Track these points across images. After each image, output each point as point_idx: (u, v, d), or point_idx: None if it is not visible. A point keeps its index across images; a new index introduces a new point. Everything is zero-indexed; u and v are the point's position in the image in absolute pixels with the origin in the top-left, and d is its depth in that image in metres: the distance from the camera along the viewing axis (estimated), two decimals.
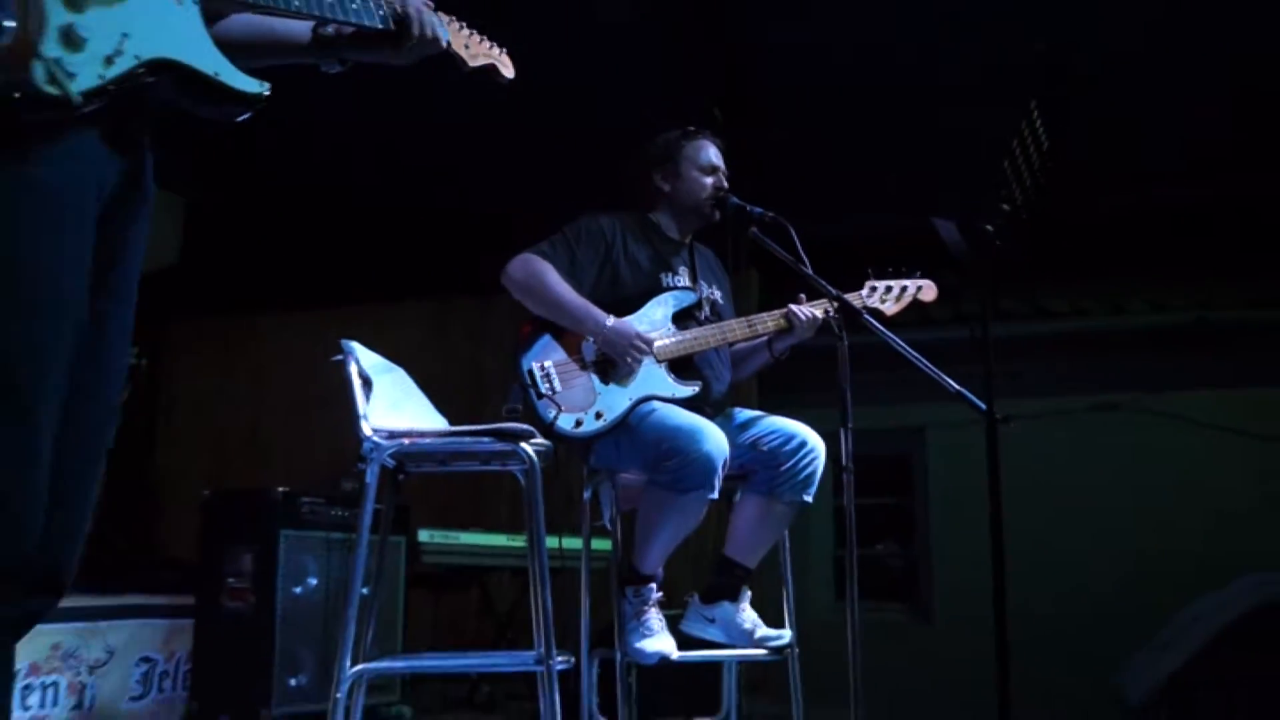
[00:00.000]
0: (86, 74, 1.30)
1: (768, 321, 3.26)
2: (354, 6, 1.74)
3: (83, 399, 1.48)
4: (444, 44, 1.89)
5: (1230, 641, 2.77)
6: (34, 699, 3.79)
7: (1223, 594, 2.98)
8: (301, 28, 1.80)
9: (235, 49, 1.67)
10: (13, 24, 1.21)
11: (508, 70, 2.07)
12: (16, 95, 1.22)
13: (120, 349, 1.55)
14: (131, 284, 1.56)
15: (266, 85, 1.57)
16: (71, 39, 1.27)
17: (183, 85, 1.47)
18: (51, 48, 1.26)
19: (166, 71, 1.42)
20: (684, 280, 3.32)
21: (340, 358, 2.89)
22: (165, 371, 7.40)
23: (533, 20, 5.41)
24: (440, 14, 1.90)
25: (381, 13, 1.79)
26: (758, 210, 3.18)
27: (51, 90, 1.25)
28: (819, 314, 3.20)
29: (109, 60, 1.32)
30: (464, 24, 2.00)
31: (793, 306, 3.25)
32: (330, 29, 1.81)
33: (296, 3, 1.67)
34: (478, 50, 2.01)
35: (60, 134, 1.31)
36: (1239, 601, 2.87)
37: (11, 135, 1.24)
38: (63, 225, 1.33)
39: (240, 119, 1.57)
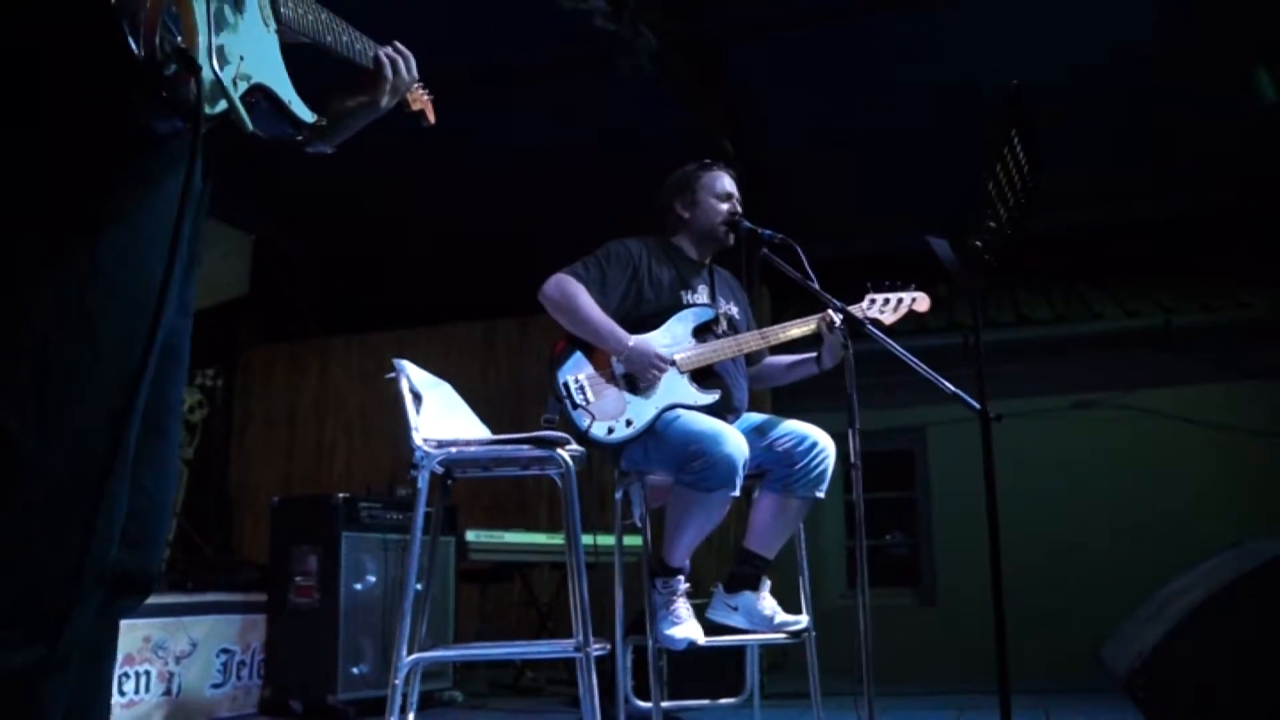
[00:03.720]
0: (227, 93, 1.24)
1: (780, 334, 3.22)
2: (358, 48, 1.67)
3: (166, 413, 1.42)
4: (413, 81, 1.77)
5: (1210, 612, 2.66)
6: (129, 686, 3.82)
7: (1198, 568, 2.88)
8: None
9: None
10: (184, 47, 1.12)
11: (431, 116, 1.99)
12: (187, 107, 1.14)
13: (186, 363, 1.46)
14: (194, 294, 1.48)
15: (321, 117, 1.52)
16: (222, 58, 1.21)
17: (272, 109, 1.41)
18: (211, 68, 1.19)
19: (264, 96, 1.37)
20: (703, 298, 3.28)
21: (393, 375, 2.87)
22: (240, 391, 7.42)
23: (572, 78, 5.47)
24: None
25: (371, 54, 1.70)
26: (768, 232, 3.13)
27: (217, 108, 1.17)
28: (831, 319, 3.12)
29: (235, 82, 1.26)
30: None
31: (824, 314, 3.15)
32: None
33: (329, 38, 1.59)
34: (416, 96, 1.95)
35: (190, 151, 1.19)
36: (1217, 574, 2.77)
37: (144, 151, 1.14)
38: (174, 254, 1.23)
39: (293, 139, 1.49)
